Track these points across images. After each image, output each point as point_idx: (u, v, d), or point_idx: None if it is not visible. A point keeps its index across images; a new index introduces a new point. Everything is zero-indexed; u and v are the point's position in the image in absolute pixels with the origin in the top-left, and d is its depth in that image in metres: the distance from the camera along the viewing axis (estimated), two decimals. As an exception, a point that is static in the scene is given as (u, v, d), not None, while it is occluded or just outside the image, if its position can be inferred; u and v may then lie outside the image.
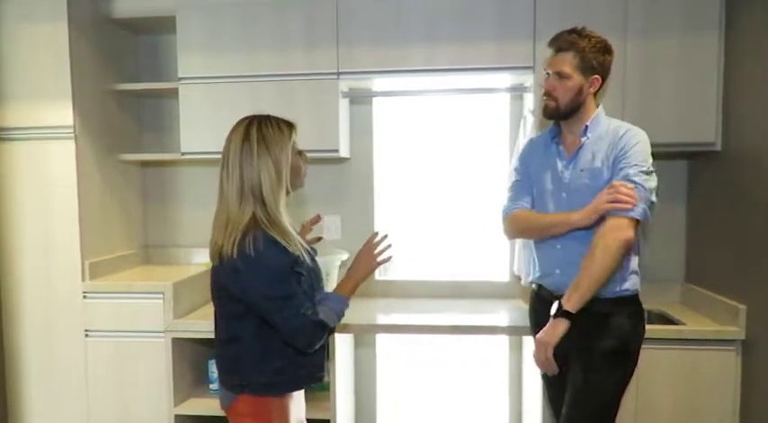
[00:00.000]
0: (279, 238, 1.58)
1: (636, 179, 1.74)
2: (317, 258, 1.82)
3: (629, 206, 1.70)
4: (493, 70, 2.48)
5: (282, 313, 1.58)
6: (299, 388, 1.75)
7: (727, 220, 2.32)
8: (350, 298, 1.78)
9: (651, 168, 1.79)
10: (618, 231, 1.71)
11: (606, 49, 1.84)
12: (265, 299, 1.58)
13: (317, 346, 1.68)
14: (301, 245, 1.66)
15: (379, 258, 1.79)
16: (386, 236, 1.81)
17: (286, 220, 1.63)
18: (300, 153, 1.72)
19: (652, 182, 1.77)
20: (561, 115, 1.88)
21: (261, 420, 1.67)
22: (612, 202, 1.71)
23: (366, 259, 1.79)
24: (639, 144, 1.79)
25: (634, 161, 1.76)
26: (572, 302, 1.73)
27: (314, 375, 1.74)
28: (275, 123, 1.64)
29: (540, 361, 1.80)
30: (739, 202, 2.23)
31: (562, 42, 1.83)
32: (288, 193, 1.67)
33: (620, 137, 1.80)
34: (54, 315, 2.54)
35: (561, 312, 1.74)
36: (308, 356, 1.69)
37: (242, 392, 1.66)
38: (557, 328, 1.74)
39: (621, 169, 1.77)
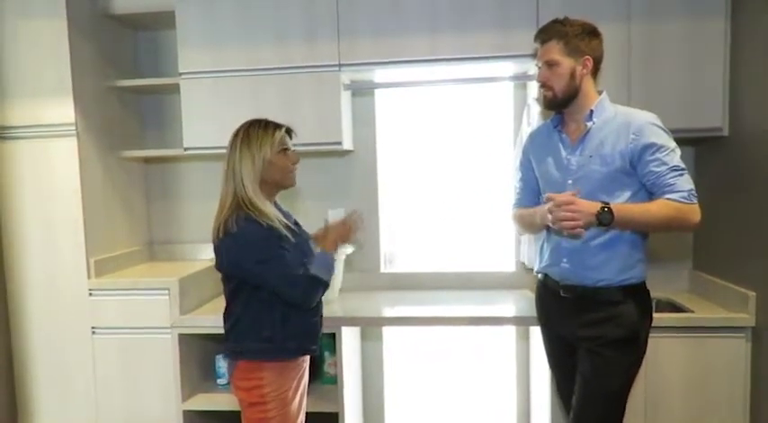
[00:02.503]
0: (257, 216, 1.77)
1: (679, 164, 1.75)
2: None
3: (577, 228, 1.69)
4: (495, 59, 2.46)
5: (275, 272, 1.76)
6: (289, 358, 1.88)
7: (735, 206, 2.30)
8: (333, 253, 1.94)
9: (674, 144, 1.78)
10: (696, 216, 1.74)
11: (591, 32, 1.84)
12: (256, 264, 1.75)
13: (315, 301, 1.85)
14: (286, 225, 1.82)
15: (351, 235, 2.02)
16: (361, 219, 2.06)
17: (267, 207, 1.81)
18: (286, 151, 1.87)
19: (679, 155, 1.78)
20: (560, 103, 1.87)
21: (253, 387, 1.83)
22: (560, 221, 1.70)
23: (343, 230, 2.00)
24: (655, 126, 1.78)
25: (664, 147, 1.75)
26: (619, 207, 1.71)
27: (305, 348, 1.91)
28: (262, 124, 1.86)
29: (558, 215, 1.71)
30: (747, 187, 2.21)
31: (545, 33, 1.86)
32: (275, 188, 1.88)
33: (634, 126, 1.78)
34: (60, 313, 2.55)
35: (603, 207, 1.69)
36: (297, 327, 1.85)
37: (238, 358, 1.85)
38: (592, 206, 1.69)
39: (655, 160, 1.74)
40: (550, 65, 1.83)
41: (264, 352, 1.83)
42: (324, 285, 1.84)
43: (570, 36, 1.81)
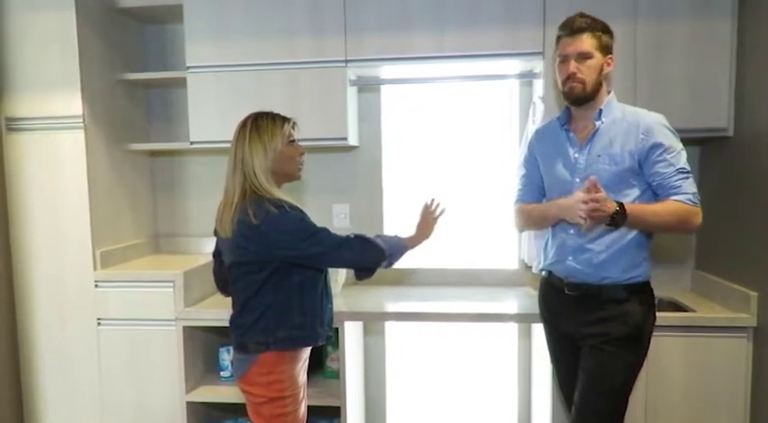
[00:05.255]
0: (286, 200, 1.81)
1: (685, 167, 1.77)
2: None
3: (604, 218, 1.70)
4: (501, 56, 2.46)
5: (323, 242, 1.80)
6: (315, 343, 1.92)
7: (738, 207, 2.30)
8: (409, 247, 1.99)
9: (681, 146, 1.80)
10: (699, 218, 1.77)
11: (611, 31, 1.86)
12: (300, 241, 1.77)
13: (370, 264, 1.89)
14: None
15: (435, 215, 2.06)
16: (436, 202, 2.09)
17: (281, 194, 1.83)
18: (293, 143, 1.90)
19: (685, 156, 1.80)
20: (587, 98, 1.84)
21: (274, 381, 1.83)
22: (588, 216, 1.68)
23: (427, 221, 2.05)
24: (664, 127, 1.80)
25: (671, 148, 1.77)
26: (632, 207, 1.72)
27: (326, 333, 1.95)
28: (270, 116, 1.88)
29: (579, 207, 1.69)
30: (751, 188, 2.21)
31: (577, 24, 1.82)
32: (283, 179, 1.90)
33: (643, 125, 1.79)
34: (66, 304, 2.57)
35: (617, 207, 1.69)
36: (321, 314, 1.89)
37: (266, 350, 1.83)
38: (612, 204, 1.69)
39: (662, 160, 1.76)
40: (584, 57, 1.80)
41: (293, 340, 1.85)
42: (380, 253, 1.88)
43: (601, 32, 1.81)
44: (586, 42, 1.80)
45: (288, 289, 1.82)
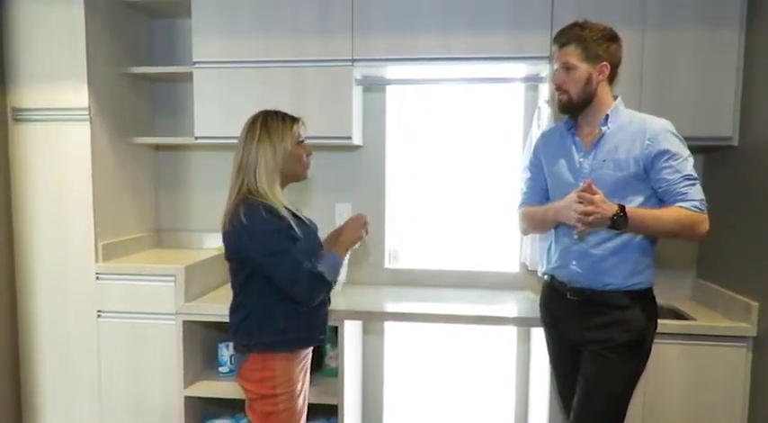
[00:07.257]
0: (267, 206, 1.77)
1: (692, 173, 1.77)
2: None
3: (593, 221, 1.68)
4: (508, 60, 2.46)
5: (280, 267, 1.76)
6: (300, 348, 1.91)
7: (741, 217, 2.30)
8: (342, 257, 1.94)
9: (688, 152, 1.80)
10: (705, 225, 1.77)
11: (611, 37, 1.84)
12: (263, 255, 1.75)
13: (319, 300, 1.84)
14: (293, 215, 1.83)
15: (365, 230, 1.99)
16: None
17: (279, 197, 1.82)
18: (302, 143, 1.90)
19: (692, 163, 1.80)
20: (576, 107, 1.87)
21: (266, 378, 1.83)
22: (581, 219, 1.67)
23: (354, 227, 1.98)
24: (671, 134, 1.79)
25: (678, 154, 1.77)
26: (633, 210, 1.71)
27: (315, 337, 1.92)
28: (280, 116, 1.87)
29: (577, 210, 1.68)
30: (755, 198, 2.21)
31: (564, 37, 1.85)
32: (290, 179, 1.90)
33: (649, 132, 1.79)
34: (67, 295, 2.57)
35: (618, 210, 1.67)
36: (309, 317, 1.86)
37: (250, 352, 1.83)
38: (611, 206, 1.67)
39: (668, 167, 1.76)
40: (567, 68, 1.83)
41: (278, 344, 1.83)
42: (327, 285, 1.84)
43: (589, 41, 1.81)
44: (571, 54, 1.83)
45: (270, 294, 1.80)
